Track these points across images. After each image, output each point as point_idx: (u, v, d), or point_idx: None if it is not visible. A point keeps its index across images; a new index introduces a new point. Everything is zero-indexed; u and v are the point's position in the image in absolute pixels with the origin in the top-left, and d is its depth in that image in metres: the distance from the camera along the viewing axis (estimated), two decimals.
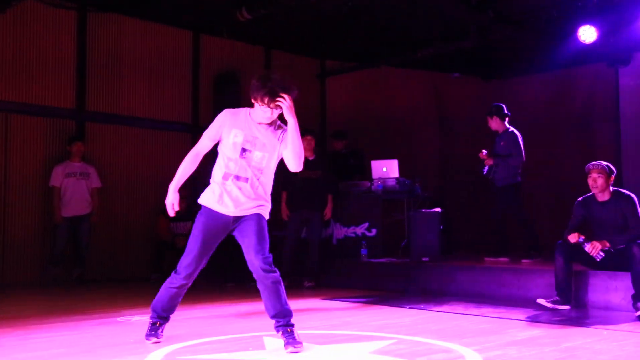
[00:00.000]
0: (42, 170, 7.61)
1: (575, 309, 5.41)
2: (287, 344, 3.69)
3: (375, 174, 7.83)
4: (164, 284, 3.98)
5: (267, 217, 3.95)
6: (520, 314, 5.15)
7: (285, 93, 3.74)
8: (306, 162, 7.45)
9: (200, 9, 8.13)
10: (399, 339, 4.06)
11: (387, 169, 7.74)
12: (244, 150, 3.79)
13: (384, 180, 7.73)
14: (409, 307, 5.60)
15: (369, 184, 7.91)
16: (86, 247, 7.63)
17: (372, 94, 10.30)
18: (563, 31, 7.87)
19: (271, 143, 3.86)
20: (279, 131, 3.90)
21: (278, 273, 3.85)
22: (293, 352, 3.62)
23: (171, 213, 3.91)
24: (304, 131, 7.53)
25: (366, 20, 8.34)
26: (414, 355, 3.57)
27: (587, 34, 7.52)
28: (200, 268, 3.89)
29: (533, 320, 4.89)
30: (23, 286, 7.22)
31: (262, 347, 3.82)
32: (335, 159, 8.54)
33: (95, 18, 8.13)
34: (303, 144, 7.17)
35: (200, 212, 3.91)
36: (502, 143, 7.10)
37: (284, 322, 3.76)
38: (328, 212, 7.49)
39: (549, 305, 5.33)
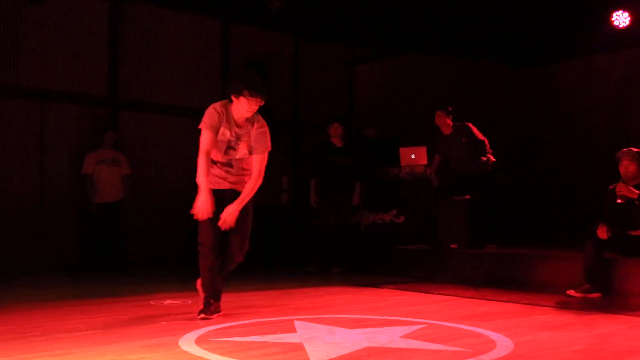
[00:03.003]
0: (76, 157, 7.70)
1: (606, 296, 5.31)
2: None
3: (404, 160, 7.75)
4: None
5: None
6: (551, 300, 5.06)
7: (264, 90, 4.03)
8: (334, 149, 7.46)
9: None
10: (429, 324, 4.02)
11: (415, 156, 7.67)
12: (229, 147, 4.12)
13: (412, 167, 7.66)
14: (438, 293, 5.55)
15: (398, 170, 7.84)
16: (119, 232, 7.71)
17: (399, 81, 10.19)
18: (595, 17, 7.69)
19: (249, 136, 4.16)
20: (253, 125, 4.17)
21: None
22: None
23: (203, 217, 4.03)
24: (331, 118, 7.63)
25: (394, 7, 8.24)
26: (445, 339, 3.54)
27: (621, 19, 7.34)
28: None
29: (563, 306, 4.81)
30: (60, 270, 7.33)
31: (293, 330, 3.82)
32: (365, 145, 8.47)
33: (127, 9, 8.18)
34: (331, 130, 7.27)
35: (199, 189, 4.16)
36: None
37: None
38: (356, 199, 7.44)
39: (579, 295, 5.23)
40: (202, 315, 4.11)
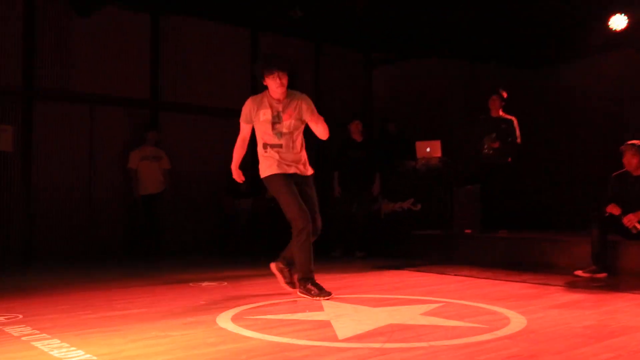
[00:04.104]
0: (122, 154, 7.73)
1: (611, 276, 5.17)
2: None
3: (420, 153, 7.65)
4: (294, 246, 4.11)
5: (311, 171, 4.29)
6: (560, 280, 4.94)
7: (277, 61, 4.04)
8: (355, 144, 7.41)
9: (257, 9, 8.09)
10: (447, 302, 3.95)
11: (430, 149, 7.56)
12: (274, 123, 4.12)
13: (427, 159, 7.56)
14: (454, 275, 5.47)
15: (414, 163, 7.74)
16: (161, 221, 7.72)
17: (414, 82, 10.05)
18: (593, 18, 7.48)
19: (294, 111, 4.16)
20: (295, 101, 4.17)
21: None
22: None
23: (240, 179, 4.24)
24: (352, 116, 7.57)
25: (407, 14, 8.13)
26: (462, 316, 3.45)
27: (618, 22, 7.14)
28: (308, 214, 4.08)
29: (572, 286, 4.69)
30: (108, 256, 7.37)
31: (321, 309, 3.77)
32: (386, 140, 8.40)
33: (166, 19, 8.18)
34: (352, 127, 7.21)
35: (266, 182, 4.18)
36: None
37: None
38: (375, 189, 7.39)
39: (587, 275, 5.11)
40: (324, 297, 3.98)
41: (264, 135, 4.15)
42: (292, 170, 4.14)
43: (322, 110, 9.76)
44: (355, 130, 7.43)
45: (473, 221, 6.88)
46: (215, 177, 8.32)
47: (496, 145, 6.83)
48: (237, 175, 4.26)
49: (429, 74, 10.04)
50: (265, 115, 4.11)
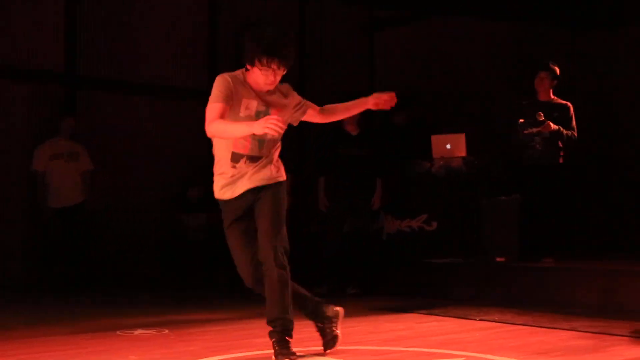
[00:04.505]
0: (24, 151, 7.76)
1: None
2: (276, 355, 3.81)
3: (437, 152, 7.71)
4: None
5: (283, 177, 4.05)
6: (626, 328, 5.01)
7: (285, 50, 3.73)
8: (349, 138, 7.43)
9: None
10: (468, 357, 4.00)
11: (451, 146, 7.63)
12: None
13: (447, 160, 7.63)
14: (480, 319, 5.51)
15: (429, 164, 7.80)
16: (79, 242, 7.72)
17: (432, 52, 10.14)
18: None
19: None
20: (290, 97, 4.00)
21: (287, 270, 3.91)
22: None
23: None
24: (347, 99, 7.60)
25: None
26: None
27: None
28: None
29: None
30: (6, 290, 7.35)
31: None
32: (392, 135, 8.39)
33: None
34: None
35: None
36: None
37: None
38: (377, 201, 7.42)
39: None
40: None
41: (237, 141, 3.85)
42: (245, 186, 3.92)
43: (305, 90, 9.94)
44: (350, 120, 7.41)
45: (508, 245, 6.95)
46: (158, 180, 8.38)
47: (550, 128, 6.88)
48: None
49: (455, 40, 10.14)
50: (249, 108, 3.84)
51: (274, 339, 3.86)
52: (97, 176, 7.91)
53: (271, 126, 3.52)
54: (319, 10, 9.73)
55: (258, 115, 3.82)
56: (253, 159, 3.88)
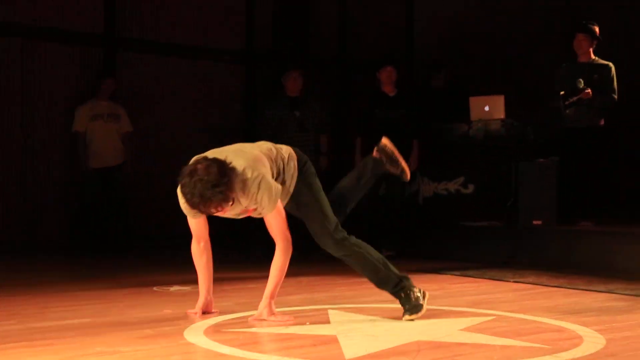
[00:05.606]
0: (66, 111, 7.86)
1: None
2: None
3: (475, 114, 7.63)
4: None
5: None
6: None
7: (204, 208, 3.85)
8: (386, 99, 7.42)
9: None
10: (499, 316, 4.01)
11: (489, 108, 7.54)
12: None
13: (485, 122, 7.55)
14: (514, 281, 5.53)
15: (467, 127, 7.74)
16: (120, 203, 7.83)
17: (474, 8, 9.95)
18: None
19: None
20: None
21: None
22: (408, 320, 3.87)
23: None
24: (384, 60, 7.58)
25: None
26: (517, 333, 3.52)
27: None
28: None
29: None
30: (47, 251, 7.53)
31: (326, 321, 3.86)
32: (430, 98, 8.35)
33: None
34: (382, 76, 7.18)
35: None
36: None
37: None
38: (413, 162, 7.38)
39: None
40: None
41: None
42: None
43: (346, 50, 9.92)
44: (388, 81, 7.41)
45: (546, 209, 6.89)
46: (195, 141, 8.43)
47: (589, 96, 6.79)
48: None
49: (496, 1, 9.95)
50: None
51: (401, 295, 4.03)
52: (135, 137, 7.99)
53: None
54: None
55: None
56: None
